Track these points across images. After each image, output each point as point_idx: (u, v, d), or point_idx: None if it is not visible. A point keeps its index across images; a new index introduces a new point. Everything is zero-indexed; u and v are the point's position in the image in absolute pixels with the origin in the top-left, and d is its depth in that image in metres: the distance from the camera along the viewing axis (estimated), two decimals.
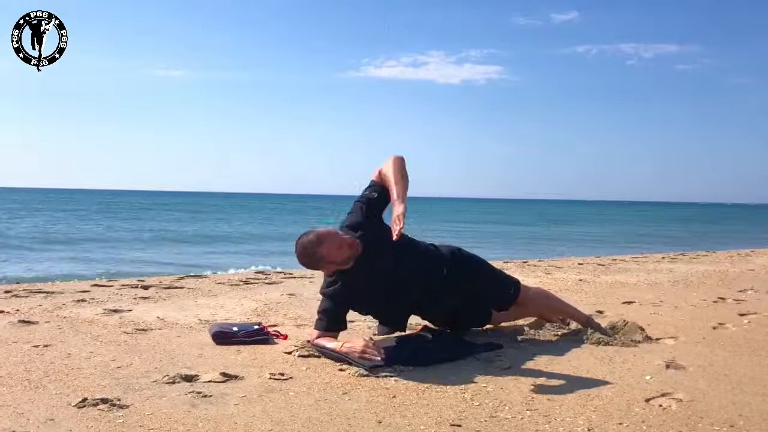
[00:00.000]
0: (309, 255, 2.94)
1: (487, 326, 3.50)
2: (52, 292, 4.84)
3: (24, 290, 4.94)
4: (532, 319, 3.60)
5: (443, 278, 3.18)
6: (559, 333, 3.40)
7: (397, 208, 2.82)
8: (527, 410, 2.21)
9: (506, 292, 3.34)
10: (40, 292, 4.82)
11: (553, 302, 3.53)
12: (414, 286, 3.12)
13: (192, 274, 6.82)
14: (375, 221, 3.11)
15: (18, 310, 4.03)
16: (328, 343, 2.91)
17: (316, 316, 3.08)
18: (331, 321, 3.02)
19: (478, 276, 3.32)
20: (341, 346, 2.83)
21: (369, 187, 3.15)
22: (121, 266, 12.50)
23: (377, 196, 3.10)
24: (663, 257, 9.80)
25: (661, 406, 2.27)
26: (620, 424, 2.09)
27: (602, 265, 8.15)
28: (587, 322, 3.43)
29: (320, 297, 3.11)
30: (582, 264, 8.28)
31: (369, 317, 3.47)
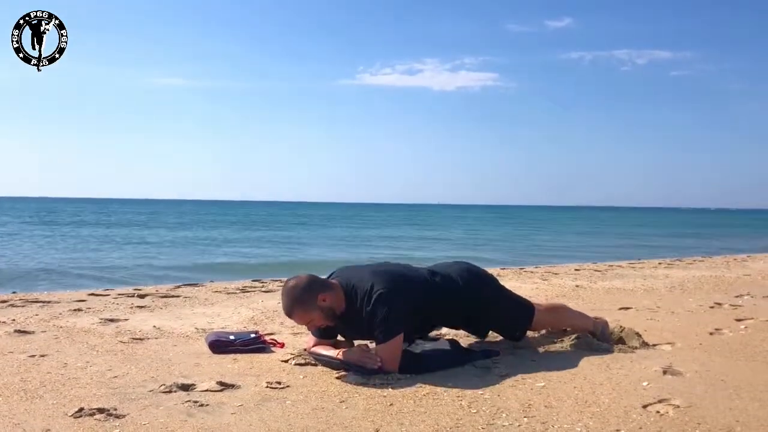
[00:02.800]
0: (310, 287, 2.83)
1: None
2: (49, 302, 4.83)
3: (20, 300, 4.93)
4: None
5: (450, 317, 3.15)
6: (556, 340, 3.40)
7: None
8: (525, 417, 2.21)
9: (513, 333, 3.31)
10: (36, 302, 4.81)
11: (564, 319, 3.46)
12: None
13: (189, 283, 6.81)
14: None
15: (14, 320, 4.02)
16: (325, 351, 2.91)
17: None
18: (326, 329, 3.00)
19: (489, 317, 3.24)
20: (338, 353, 2.83)
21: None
22: None
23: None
24: (659, 263, 9.81)
25: (658, 412, 2.27)
26: (617, 430, 2.09)
27: (599, 271, 8.16)
28: (593, 330, 3.38)
29: None
30: (578, 270, 8.29)
31: None
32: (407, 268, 3.13)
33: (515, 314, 3.27)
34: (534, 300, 3.50)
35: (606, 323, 3.46)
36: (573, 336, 3.40)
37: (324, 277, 3.00)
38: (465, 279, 3.14)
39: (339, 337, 3.08)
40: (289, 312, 2.85)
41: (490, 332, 3.45)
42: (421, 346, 3.16)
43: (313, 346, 2.98)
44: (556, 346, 3.29)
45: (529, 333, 3.50)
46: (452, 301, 3.07)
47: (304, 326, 3.43)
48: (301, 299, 2.80)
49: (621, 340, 3.35)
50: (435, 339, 3.33)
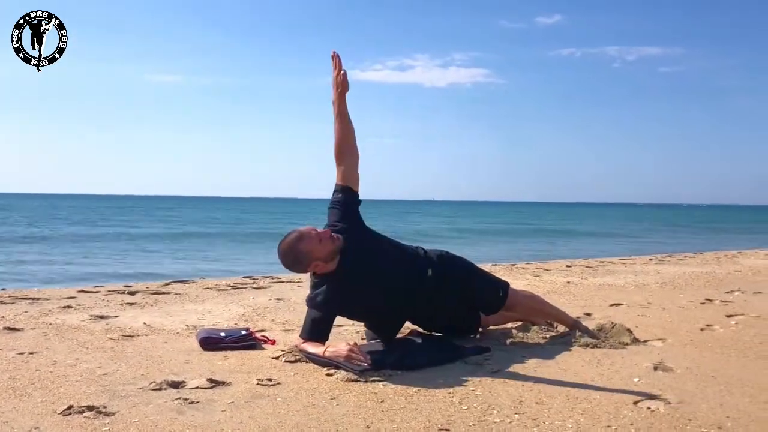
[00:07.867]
0: (292, 253, 2.92)
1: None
2: (38, 299, 4.80)
3: (9, 297, 4.90)
4: (519, 322, 3.61)
5: (428, 278, 3.17)
6: (547, 336, 3.41)
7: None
8: (516, 414, 2.21)
9: (496, 295, 3.34)
10: (25, 299, 4.78)
11: (540, 305, 3.54)
12: (398, 285, 3.10)
13: (179, 279, 6.78)
14: (354, 221, 3.12)
15: (3, 317, 3.99)
16: (312, 348, 2.89)
17: (303, 323, 3.05)
18: (317, 332, 2.97)
19: (469, 278, 3.33)
20: (324, 351, 2.82)
21: (334, 192, 3.16)
22: None
23: (343, 196, 3.13)
24: (650, 259, 9.85)
25: (649, 408, 2.28)
26: (608, 426, 2.09)
27: (590, 267, 8.18)
28: (574, 324, 3.44)
29: (309, 305, 3.06)
30: (570, 266, 8.31)
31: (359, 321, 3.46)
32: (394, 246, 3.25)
33: (491, 289, 3.36)
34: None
35: (587, 327, 3.46)
36: (562, 330, 3.42)
37: None
38: (440, 259, 3.28)
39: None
40: (301, 237, 2.92)
41: (480, 329, 3.47)
42: (411, 342, 3.16)
43: (302, 344, 2.97)
44: (546, 341, 3.30)
45: (510, 325, 3.55)
46: (427, 280, 3.17)
47: (295, 320, 3.42)
48: (305, 227, 2.97)
49: (604, 332, 3.37)
50: (426, 334, 3.33)
